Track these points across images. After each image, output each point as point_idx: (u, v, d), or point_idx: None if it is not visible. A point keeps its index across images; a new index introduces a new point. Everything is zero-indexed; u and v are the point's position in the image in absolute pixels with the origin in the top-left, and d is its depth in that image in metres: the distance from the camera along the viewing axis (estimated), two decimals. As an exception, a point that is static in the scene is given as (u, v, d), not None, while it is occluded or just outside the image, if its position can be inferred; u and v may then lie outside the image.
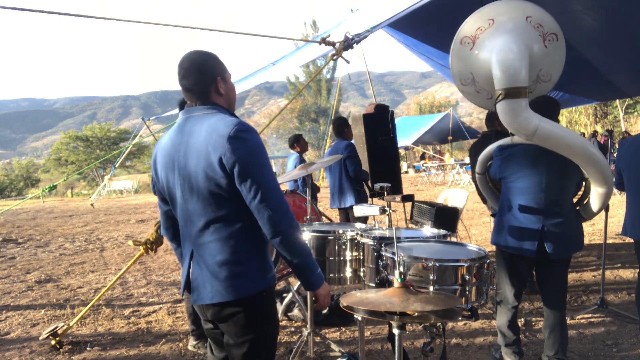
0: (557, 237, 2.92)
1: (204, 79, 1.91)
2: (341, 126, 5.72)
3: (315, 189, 6.50)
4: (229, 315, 1.87)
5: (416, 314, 1.86)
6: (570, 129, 25.80)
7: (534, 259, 3.01)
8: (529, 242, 2.95)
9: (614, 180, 3.14)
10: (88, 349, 3.90)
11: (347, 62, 4.79)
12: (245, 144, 1.77)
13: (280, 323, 4.35)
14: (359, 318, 2.47)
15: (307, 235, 2.94)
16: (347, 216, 5.78)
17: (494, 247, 3.25)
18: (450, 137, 25.21)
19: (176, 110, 3.84)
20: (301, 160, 6.41)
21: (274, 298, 2.00)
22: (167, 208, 2.09)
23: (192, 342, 3.83)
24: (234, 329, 1.89)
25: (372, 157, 6.01)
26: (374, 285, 2.50)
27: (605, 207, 3.05)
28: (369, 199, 6.02)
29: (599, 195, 2.95)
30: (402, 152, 28.51)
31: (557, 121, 3.05)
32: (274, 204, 1.79)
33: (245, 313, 1.86)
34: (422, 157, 27.83)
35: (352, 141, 5.85)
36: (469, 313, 2.21)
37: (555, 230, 2.92)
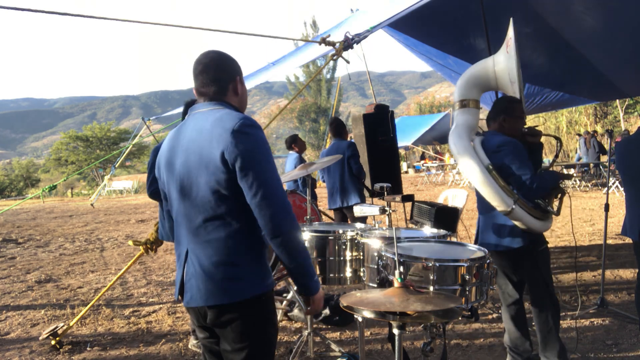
0: (486, 229, 3.05)
1: (224, 76, 1.89)
2: (339, 127, 5.78)
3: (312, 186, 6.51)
4: (227, 321, 1.80)
5: (416, 314, 1.86)
6: (570, 129, 25.67)
7: (499, 253, 3.03)
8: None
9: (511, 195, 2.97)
10: (88, 349, 3.90)
11: (347, 62, 4.78)
12: (249, 138, 1.73)
13: (280, 323, 4.35)
14: (359, 318, 2.47)
15: (307, 235, 2.94)
16: (343, 216, 5.78)
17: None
18: (450, 137, 25.15)
19: (176, 110, 3.84)
20: (301, 161, 6.41)
21: (274, 304, 1.93)
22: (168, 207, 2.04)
23: (192, 341, 3.84)
24: (232, 335, 1.82)
25: (372, 157, 6.01)
26: (374, 285, 2.50)
27: (531, 227, 2.86)
28: (369, 199, 6.02)
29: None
30: (402, 152, 28.50)
31: (516, 117, 3.01)
32: (275, 203, 1.73)
33: (243, 319, 1.80)
34: (422, 157, 27.82)
35: (353, 140, 5.87)
36: (469, 313, 2.21)
37: (487, 222, 3.04)
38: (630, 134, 3.65)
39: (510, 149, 2.86)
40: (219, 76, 1.88)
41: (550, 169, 3.13)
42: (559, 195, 3.00)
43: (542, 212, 2.88)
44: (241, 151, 1.71)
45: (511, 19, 3.16)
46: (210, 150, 1.75)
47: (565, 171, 14.13)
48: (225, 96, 1.90)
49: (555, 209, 2.98)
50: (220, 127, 1.75)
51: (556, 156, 3.34)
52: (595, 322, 4.02)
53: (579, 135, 18.63)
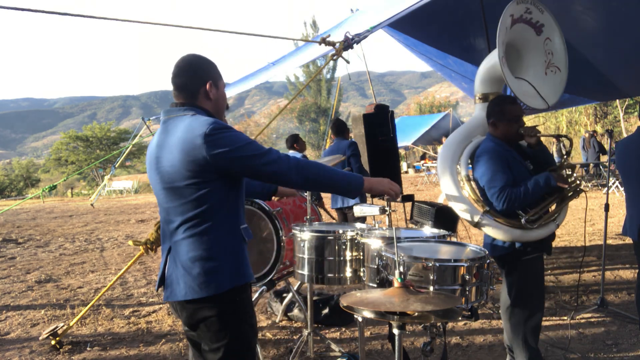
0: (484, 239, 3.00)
1: (195, 80, 1.94)
2: (341, 127, 5.81)
3: None
4: (201, 319, 1.87)
5: (416, 314, 1.86)
6: (570, 129, 25.54)
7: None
8: None
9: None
10: (88, 349, 3.91)
11: (347, 62, 4.78)
12: (224, 139, 1.80)
13: (280, 323, 4.35)
14: (359, 318, 2.47)
15: (307, 235, 2.94)
16: (345, 217, 5.78)
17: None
18: (450, 137, 25.15)
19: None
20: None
21: (250, 298, 1.98)
22: None
23: None
24: (208, 334, 1.88)
25: (372, 157, 6.01)
26: (374, 285, 2.50)
27: (508, 237, 2.80)
28: (370, 199, 6.02)
29: None
30: (402, 152, 28.50)
31: (508, 121, 2.85)
32: (274, 163, 1.85)
33: (217, 316, 1.85)
34: (423, 157, 27.80)
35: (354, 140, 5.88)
36: (469, 313, 2.21)
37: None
38: None
39: (485, 159, 2.81)
40: (188, 81, 1.95)
41: (561, 171, 2.91)
42: (559, 198, 2.86)
43: (522, 222, 2.76)
44: (221, 151, 1.79)
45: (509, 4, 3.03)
46: (182, 156, 1.82)
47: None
48: (197, 100, 1.96)
49: (553, 214, 2.84)
50: (191, 132, 1.81)
51: (567, 154, 3.09)
52: (595, 322, 4.02)
53: (558, 138, 18.38)
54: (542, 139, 3.04)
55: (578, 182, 2.93)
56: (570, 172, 2.92)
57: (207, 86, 1.95)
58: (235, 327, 1.88)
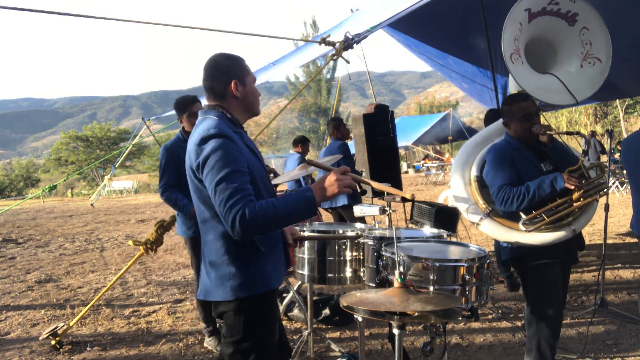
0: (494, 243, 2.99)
1: (219, 80, 1.97)
2: (332, 128, 5.90)
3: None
4: (221, 313, 1.94)
5: (416, 314, 1.86)
6: (570, 129, 25.61)
7: None
8: None
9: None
10: (88, 349, 3.90)
11: (347, 62, 4.78)
12: (206, 148, 1.80)
13: (280, 323, 4.35)
14: (359, 318, 2.47)
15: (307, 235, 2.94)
16: (340, 216, 5.81)
17: (494, 247, 3.23)
18: (450, 137, 25.22)
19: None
20: (302, 162, 6.42)
21: (270, 302, 1.96)
22: None
23: (207, 339, 3.84)
24: (225, 327, 1.95)
25: (372, 157, 6.01)
26: (374, 285, 2.50)
27: (509, 240, 2.71)
28: (370, 199, 6.03)
29: None
30: (402, 152, 28.51)
31: (517, 120, 2.73)
32: (222, 207, 1.72)
33: (233, 313, 1.89)
34: (425, 157, 27.84)
35: (346, 141, 5.93)
36: (469, 313, 2.21)
37: None
38: None
39: (490, 157, 2.77)
40: (214, 84, 1.98)
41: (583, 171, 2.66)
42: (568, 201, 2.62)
43: (519, 225, 2.65)
44: (200, 161, 1.81)
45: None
46: (190, 161, 1.90)
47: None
48: (225, 101, 1.99)
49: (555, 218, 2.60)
50: (194, 137, 1.88)
51: (585, 152, 2.78)
52: (595, 322, 4.02)
53: (571, 135, 18.40)
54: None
55: (598, 183, 2.67)
56: (590, 174, 2.65)
57: (232, 85, 1.96)
58: (248, 327, 1.90)
